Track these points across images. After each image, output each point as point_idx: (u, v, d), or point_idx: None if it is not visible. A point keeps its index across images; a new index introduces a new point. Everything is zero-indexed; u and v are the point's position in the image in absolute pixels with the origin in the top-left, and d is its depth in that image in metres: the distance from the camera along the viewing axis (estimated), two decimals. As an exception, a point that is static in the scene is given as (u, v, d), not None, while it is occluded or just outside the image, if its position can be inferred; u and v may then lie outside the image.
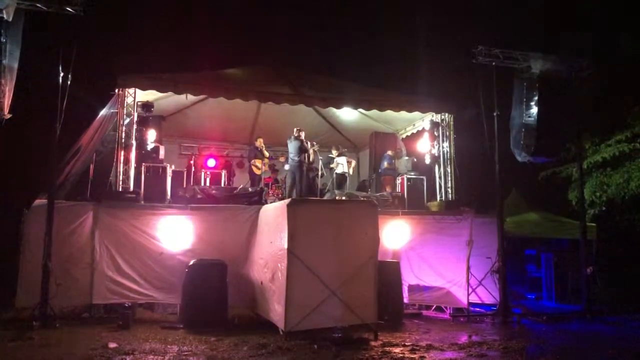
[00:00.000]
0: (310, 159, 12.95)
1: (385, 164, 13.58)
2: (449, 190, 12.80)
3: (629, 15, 16.24)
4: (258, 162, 13.26)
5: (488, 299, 10.77)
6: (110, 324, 8.67)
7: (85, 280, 9.36)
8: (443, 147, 13.04)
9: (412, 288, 10.76)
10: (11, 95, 9.03)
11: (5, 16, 8.65)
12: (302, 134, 12.47)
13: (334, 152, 13.85)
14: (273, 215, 8.90)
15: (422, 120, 13.82)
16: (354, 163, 14.13)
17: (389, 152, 13.71)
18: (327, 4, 24.74)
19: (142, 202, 10.33)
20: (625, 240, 14.88)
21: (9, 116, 9.06)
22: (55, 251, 8.83)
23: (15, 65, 8.99)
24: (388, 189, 12.84)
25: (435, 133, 13.12)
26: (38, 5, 9.05)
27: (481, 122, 11.06)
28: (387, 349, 7.50)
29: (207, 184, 12.59)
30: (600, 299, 11.24)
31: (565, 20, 18.97)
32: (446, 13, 22.13)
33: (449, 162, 12.89)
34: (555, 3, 19.90)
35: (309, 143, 12.72)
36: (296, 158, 12.34)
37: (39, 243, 8.77)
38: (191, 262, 9.15)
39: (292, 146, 12.48)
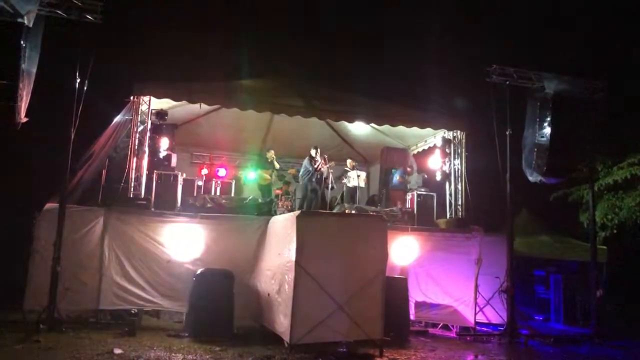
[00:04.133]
0: (324, 176, 12.99)
1: (397, 177, 13.58)
2: (459, 207, 12.75)
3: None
4: (266, 174, 13.34)
5: (495, 319, 10.68)
6: (116, 330, 8.69)
7: (93, 285, 9.38)
8: (454, 164, 13.01)
9: (419, 305, 10.69)
10: (28, 99, 9.14)
11: (26, 21, 8.78)
12: (315, 152, 12.80)
13: (349, 165, 13.86)
14: (282, 227, 8.90)
15: (434, 136, 13.81)
16: (363, 175, 14.13)
17: (401, 168, 13.73)
18: (342, 18, 24.87)
19: (153, 209, 10.38)
20: (637, 264, 14.73)
21: (25, 120, 9.17)
22: (65, 255, 8.87)
23: (34, 70, 9.09)
24: (399, 204, 12.83)
25: (447, 150, 13.11)
26: (58, 12, 9.18)
27: (493, 140, 11.04)
28: (392, 365, 7.46)
29: (218, 193, 12.64)
30: (610, 322, 11.11)
31: (581, 41, 18.95)
32: (461, 30, 22.18)
33: (460, 180, 12.85)
34: (571, 24, 19.91)
35: (321, 158, 12.84)
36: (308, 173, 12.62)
37: (49, 246, 8.82)
38: (199, 271, 9.16)
39: (307, 162, 12.69)
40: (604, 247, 13.51)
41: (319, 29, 24.53)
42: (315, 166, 12.72)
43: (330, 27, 24.62)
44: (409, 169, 13.96)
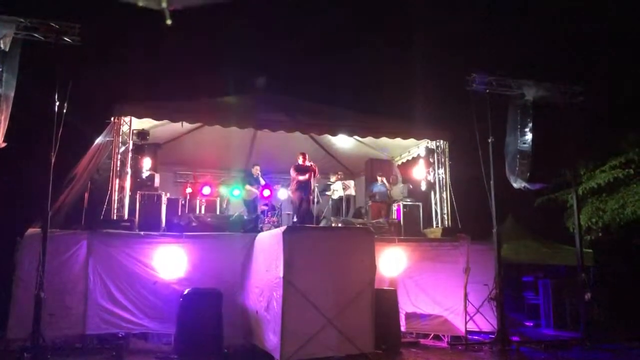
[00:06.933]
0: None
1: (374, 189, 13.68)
2: (445, 216, 12.78)
3: (622, 42, 16.51)
4: (252, 189, 13.27)
5: (486, 327, 10.66)
6: (103, 355, 8.53)
7: (78, 310, 9.23)
8: (439, 174, 13.05)
9: (409, 316, 10.65)
10: (6, 124, 9.03)
11: (2, 46, 8.71)
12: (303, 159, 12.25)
13: (332, 179, 13.86)
14: (269, 243, 8.84)
15: (417, 147, 13.86)
16: (352, 183, 14.14)
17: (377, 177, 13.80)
18: (322, 32, 25.02)
19: (137, 230, 10.25)
20: (623, 266, 14.83)
21: (3, 145, 9.04)
22: (48, 280, 8.69)
23: (12, 94, 9.00)
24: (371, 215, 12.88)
25: (431, 159, 13.16)
26: (35, 35, 9.12)
27: (476, 148, 11.10)
28: (384, 379, 7.40)
29: (203, 211, 12.54)
30: (599, 325, 11.14)
31: (559, 47, 19.23)
32: (442, 40, 22.40)
33: (444, 189, 12.89)
34: (549, 31, 20.20)
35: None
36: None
37: (32, 272, 8.65)
38: (186, 291, 9.04)
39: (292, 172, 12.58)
40: (590, 250, 13.59)
41: (300, 43, 24.65)
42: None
43: (311, 41, 24.76)
44: (393, 178, 13.96)
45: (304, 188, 12.02)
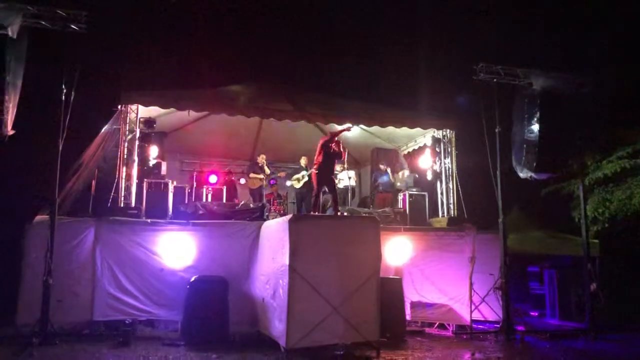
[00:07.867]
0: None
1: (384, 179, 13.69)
2: (451, 206, 12.77)
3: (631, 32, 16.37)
4: (257, 178, 13.33)
5: (491, 316, 10.71)
6: (110, 341, 8.62)
7: (86, 296, 9.32)
8: (445, 163, 13.04)
9: (414, 305, 10.69)
10: (14, 111, 9.06)
11: (9, 33, 8.72)
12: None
13: (338, 168, 13.86)
14: (275, 231, 8.87)
15: (423, 136, 13.83)
16: (352, 173, 14.15)
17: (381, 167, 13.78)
18: (328, 21, 24.91)
19: (144, 218, 10.31)
20: (629, 257, 14.79)
21: (12, 132, 9.08)
22: (56, 267, 8.78)
23: (19, 82, 9.00)
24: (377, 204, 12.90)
25: (437, 149, 13.13)
26: (42, 22, 9.11)
27: (483, 138, 11.06)
28: (389, 366, 7.45)
29: (209, 199, 12.59)
30: (604, 316, 11.14)
31: (567, 37, 19.07)
32: (448, 29, 22.26)
33: (450, 178, 12.87)
34: (559, 20, 20.03)
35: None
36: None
37: (40, 259, 8.72)
38: (192, 279, 9.12)
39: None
40: (596, 241, 13.55)
41: (306, 33, 24.55)
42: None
43: (317, 30, 24.65)
44: (397, 167, 13.96)
45: (324, 171, 10.32)
